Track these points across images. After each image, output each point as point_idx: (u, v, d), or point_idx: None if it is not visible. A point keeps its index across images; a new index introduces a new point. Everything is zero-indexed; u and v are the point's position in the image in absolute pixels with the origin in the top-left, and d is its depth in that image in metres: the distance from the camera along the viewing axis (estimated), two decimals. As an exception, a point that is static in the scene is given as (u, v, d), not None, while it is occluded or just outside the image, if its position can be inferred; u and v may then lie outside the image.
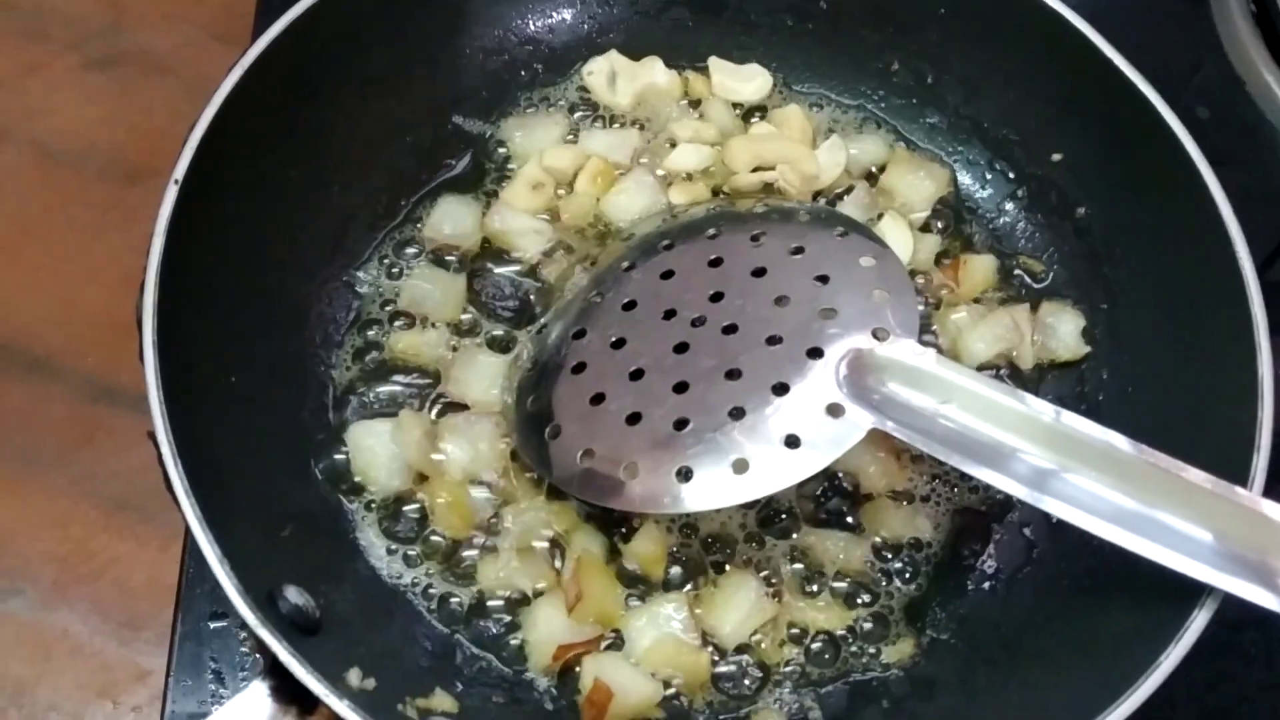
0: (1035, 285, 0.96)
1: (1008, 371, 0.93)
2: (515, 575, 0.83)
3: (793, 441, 0.77)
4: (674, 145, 0.99)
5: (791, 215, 0.90)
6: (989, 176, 1.00)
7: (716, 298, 0.83)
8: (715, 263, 0.85)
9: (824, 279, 0.82)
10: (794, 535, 0.86)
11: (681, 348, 0.81)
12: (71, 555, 0.96)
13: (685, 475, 0.77)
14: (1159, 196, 0.86)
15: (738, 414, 0.78)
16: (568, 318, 0.87)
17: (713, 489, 0.77)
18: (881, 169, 1.00)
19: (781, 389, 0.78)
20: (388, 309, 0.94)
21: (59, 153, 1.13)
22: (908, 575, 0.86)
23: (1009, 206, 0.99)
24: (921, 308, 0.91)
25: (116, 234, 1.09)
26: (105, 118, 1.15)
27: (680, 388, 0.80)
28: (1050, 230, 0.97)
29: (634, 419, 0.79)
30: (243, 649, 0.87)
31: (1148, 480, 0.71)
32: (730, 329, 0.81)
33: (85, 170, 1.12)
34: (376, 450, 0.86)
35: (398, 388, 0.91)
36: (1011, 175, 0.99)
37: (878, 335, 0.78)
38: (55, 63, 1.18)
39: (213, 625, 0.88)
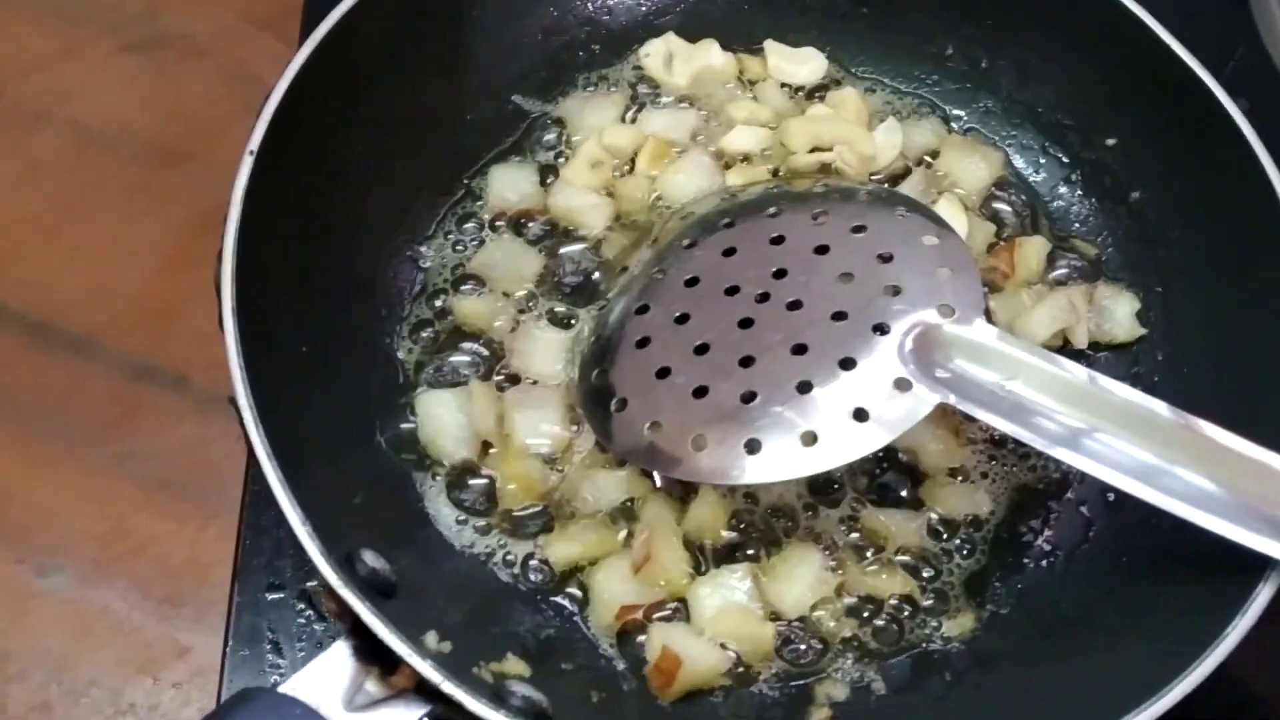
0: (1089, 268, 0.97)
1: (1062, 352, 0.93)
2: (583, 540, 0.84)
3: (861, 415, 0.77)
4: (729, 127, 0.99)
5: (852, 195, 0.91)
6: (1042, 161, 1.01)
7: (780, 274, 0.83)
8: (777, 240, 0.85)
9: (887, 257, 0.83)
10: (850, 509, 0.87)
11: (746, 323, 0.82)
12: (111, 533, 0.96)
13: (753, 447, 0.78)
14: (1214, 180, 0.88)
15: (805, 388, 0.79)
16: (630, 294, 0.87)
17: (781, 461, 0.78)
18: (935, 154, 1.00)
19: (848, 364, 0.79)
20: (457, 272, 0.95)
21: (96, 135, 1.13)
22: (966, 551, 0.87)
23: (1062, 190, 1.00)
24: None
25: (153, 216, 1.09)
26: (142, 101, 1.15)
27: (746, 362, 0.80)
28: (1104, 214, 0.98)
29: (700, 392, 0.80)
30: (300, 620, 0.88)
31: (1224, 461, 0.72)
32: (795, 305, 0.82)
33: (122, 153, 1.13)
34: (444, 420, 0.86)
35: (461, 358, 0.92)
36: (1065, 159, 1.00)
37: (943, 312, 0.79)
38: (94, 46, 1.18)
39: (270, 597, 0.89)
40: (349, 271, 0.88)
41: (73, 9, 1.18)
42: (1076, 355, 0.93)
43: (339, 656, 0.66)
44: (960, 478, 0.88)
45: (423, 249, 0.95)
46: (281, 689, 0.63)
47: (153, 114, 1.14)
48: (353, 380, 0.86)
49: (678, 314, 0.84)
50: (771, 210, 0.88)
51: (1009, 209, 1.00)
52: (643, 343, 0.83)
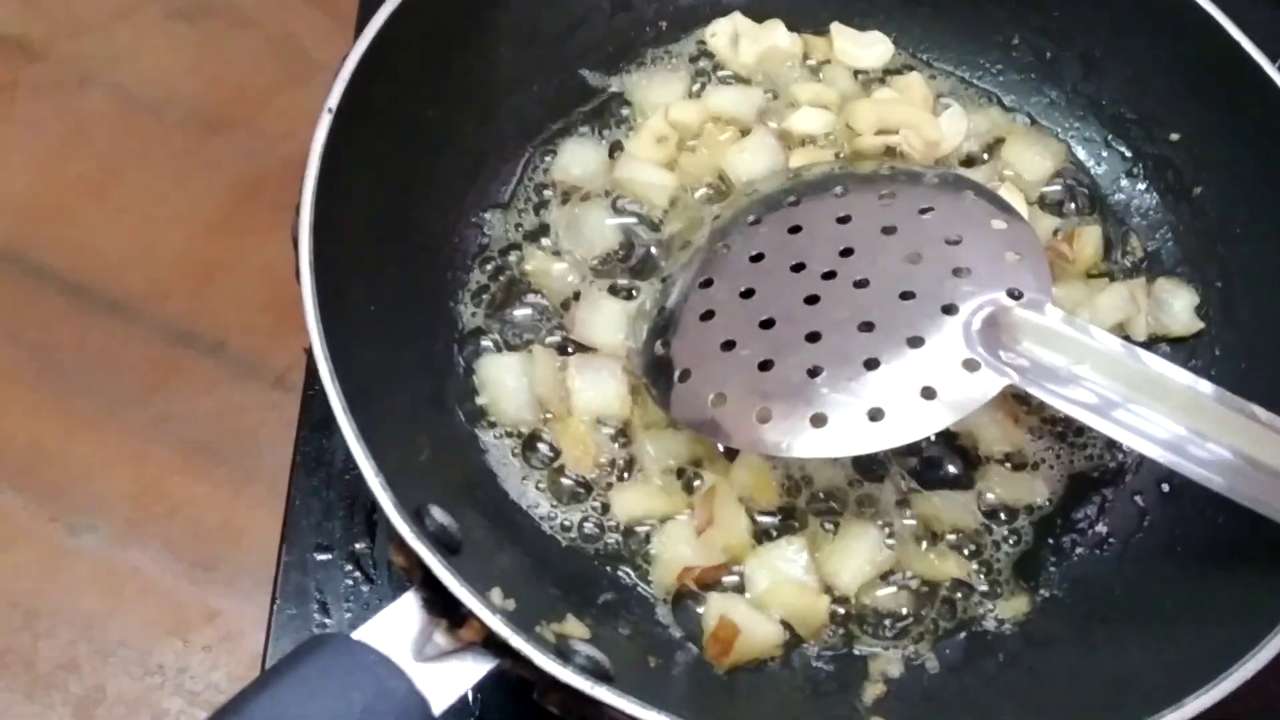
0: (1149, 261, 0.98)
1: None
2: (648, 501, 0.84)
3: (928, 393, 0.77)
4: (794, 108, 1.00)
5: (919, 177, 0.91)
6: (1105, 154, 1.01)
7: (846, 253, 0.83)
8: (844, 220, 0.85)
9: (955, 240, 0.83)
10: (902, 492, 0.87)
11: (812, 300, 0.82)
12: (145, 494, 0.96)
13: (818, 421, 0.78)
14: (1277, 176, 0.88)
15: (872, 364, 0.79)
16: (694, 267, 0.87)
17: (848, 436, 0.78)
18: (998, 142, 1.01)
19: (916, 342, 0.79)
20: (522, 231, 0.95)
21: (142, 99, 1.14)
22: (1020, 535, 0.87)
23: (1124, 183, 1.00)
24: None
25: (196, 182, 1.09)
26: (189, 68, 1.16)
27: (812, 337, 0.80)
28: (1166, 208, 0.98)
29: (766, 365, 0.80)
30: (347, 582, 0.88)
31: None
32: (862, 283, 0.82)
33: (167, 118, 1.13)
34: (506, 383, 0.87)
35: (523, 321, 0.92)
36: (1128, 153, 1.00)
37: (1012, 295, 0.79)
38: (142, 11, 1.19)
39: (318, 558, 0.89)
40: (418, 233, 0.88)
41: (122, -27, 1.16)
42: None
43: (408, 607, 0.65)
44: (1016, 463, 0.88)
45: (487, 215, 0.95)
46: (354, 635, 0.62)
47: (198, 81, 1.15)
48: (419, 340, 0.86)
49: (743, 289, 0.84)
50: (838, 190, 0.88)
51: (1070, 201, 1.00)
52: (707, 315, 0.83)
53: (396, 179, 0.85)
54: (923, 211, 0.85)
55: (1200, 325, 0.93)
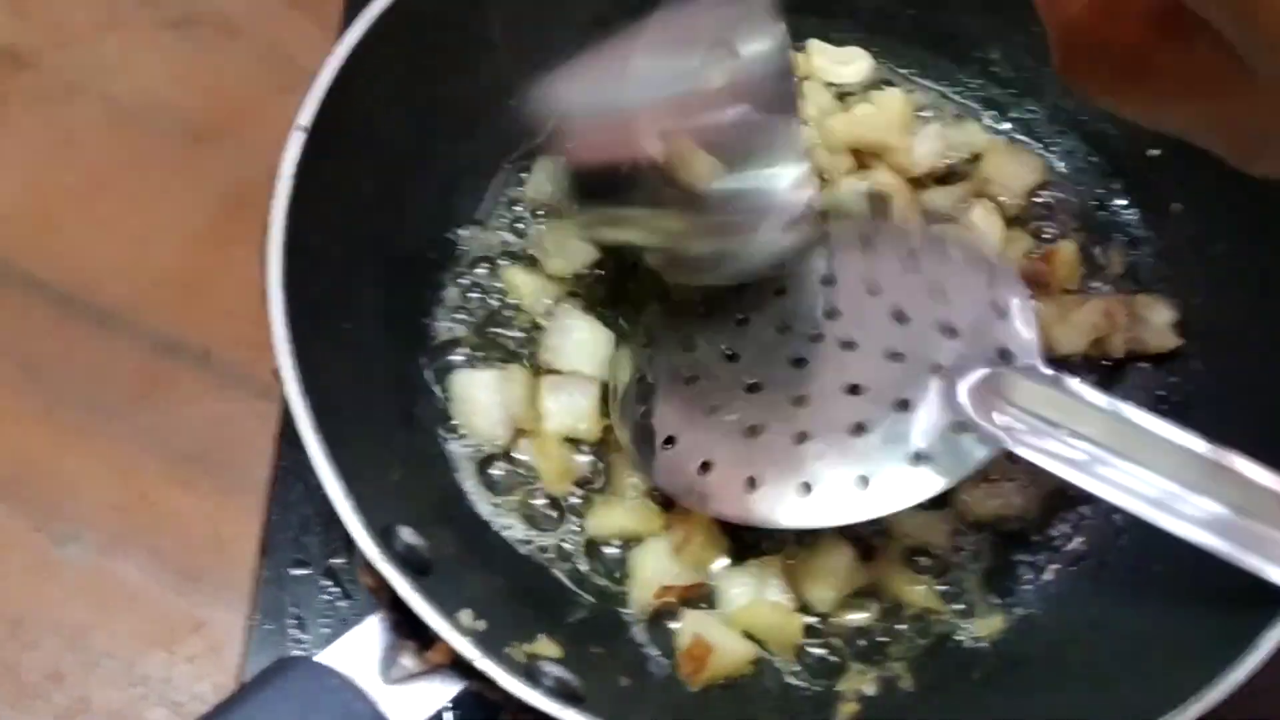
0: (1128, 278, 0.97)
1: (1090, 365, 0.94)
2: (623, 519, 0.85)
3: (918, 459, 0.77)
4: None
5: (904, 236, 0.90)
6: (1084, 169, 1.01)
7: (831, 314, 0.83)
8: (828, 281, 0.85)
9: (942, 298, 0.82)
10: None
11: (799, 362, 0.82)
12: (132, 505, 0.96)
13: (806, 490, 0.78)
14: (1258, 195, 0.87)
15: (859, 430, 0.79)
16: (676, 330, 0.87)
17: (836, 504, 0.78)
18: (976, 158, 1.00)
19: (904, 405, 0.78)
20: (501, 249, 0.96)
21: (131, 110, 1.13)
22: (995, 553, 0.87)
23: (1103, 197, 1.00)
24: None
25: (185, 193, 1.09)
26: (177, 78, 1.15)
27: (799, 401, 0.80)
28: (1146, 224, 0.98)
29: (753, 431, 0.80)
30: (324, 597, 0.88)
31: None
32: (848, 345, 0.81)
33: (155, 128, 1.13)
34: (479, 399, 0.86)
35: (500, 336, 0.92)
36: (1108, 169, 1.00)
37: (1002, 355, 0.79)
38: (130, 21, 1.18)
39: (295, 573, 0.89)
40: (391, 250, 0.88)
41: (111, -19, 1.16)
42: (1113, 364, 0.94)
43: (374, 630, 0.65)
44: (991, 479, 0.88)
45: (463, 232, 0.95)
46: (317, 658, 0.62)
47: (187, 91, 1.14)
48: (393, 357, 0.86)
49: (728, 351, 0.83)
50: (821, 251, 0.87)
51: (1049, 217, 0.99)
52: (691, 380, 0.83)
53: (370, 196, 0.85)
54: (908, 270, 0.84)
55: (1179, 341, 0.92)
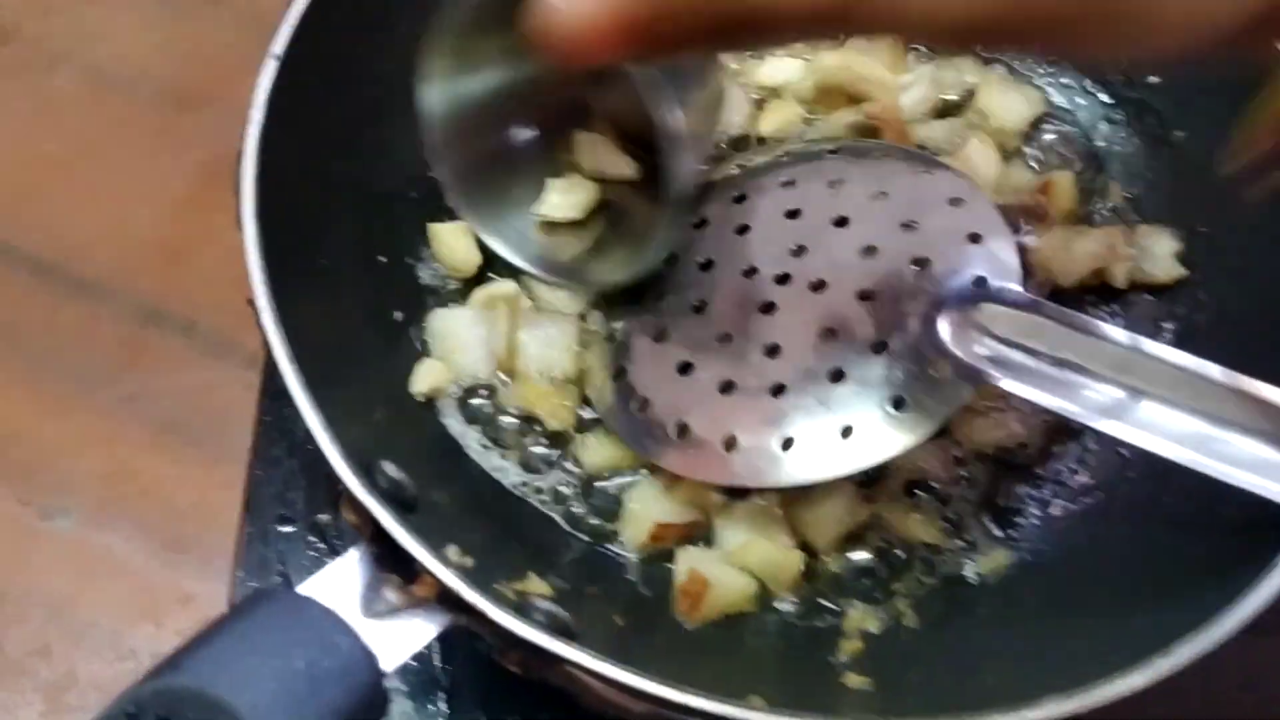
0: (1130, 208, 0.95)
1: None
2: (614, 450, 0.82)
3: (899, 404, 0.74)
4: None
5: (866, 154, 0.86)
6: (1082, 100, 0.99)
7: (799, 252, 0.79)
8: (793, 214, 0.81)
9: (912, 225, 0.79)
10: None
11: (768, 308, 0.78)
12: (116, 475, 0.95)
13: (788, 445, 0.75)
14: (1262, 120, 0.85)
15: (837, 376, 0.76)
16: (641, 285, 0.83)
17: (819, 458, 0.75)
18: (971, 94, 0.98)
19: (881, 347, 0.75)
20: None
21: (112, 78, 1.13)
22: (999, 488, 0.85)
23: (1104, 129, 0.98)
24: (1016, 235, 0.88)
25: (168, 159, 1.09)
26: (158, 46, 1.15)
27: (772, 351, 0.77)
28: (1147, 153, 0.95)
29: (727, 387, 0.77)
30: (310, 553, 0.87)
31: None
32: (819, 285, 0.78)
33: (138, 96, 1.12)
34: (460, 336, 0.85)
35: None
36: (1106, 98, 0.98)
37: (977, 284, 0.76)
38: (111, -11, 1.16)
39: (281, 529, 0.88)
40: (369, 188, 0.86)
41: (91, -50, 1.15)
42: (1115, 295, 0.91)
43: (356, 562, 0.63)
44: (992, 409, 0.85)
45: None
46: (299, 589, 0.60)
47: (169, 58, 1.14)
48: (373, 297, 0.85)
49: (694, 302, 0.80)
50: (784, 179, 0.84)
51: (1048, 149, 0.97)
52: (661, 335, 0.80)
53: (346, 131, 0.83)
54: (874, 197, 0.80)
55: (1183, 272, 0.90)
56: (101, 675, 0.88)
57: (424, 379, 0.85)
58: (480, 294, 0.88)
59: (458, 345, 0.85)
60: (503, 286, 0.88)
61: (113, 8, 1.16)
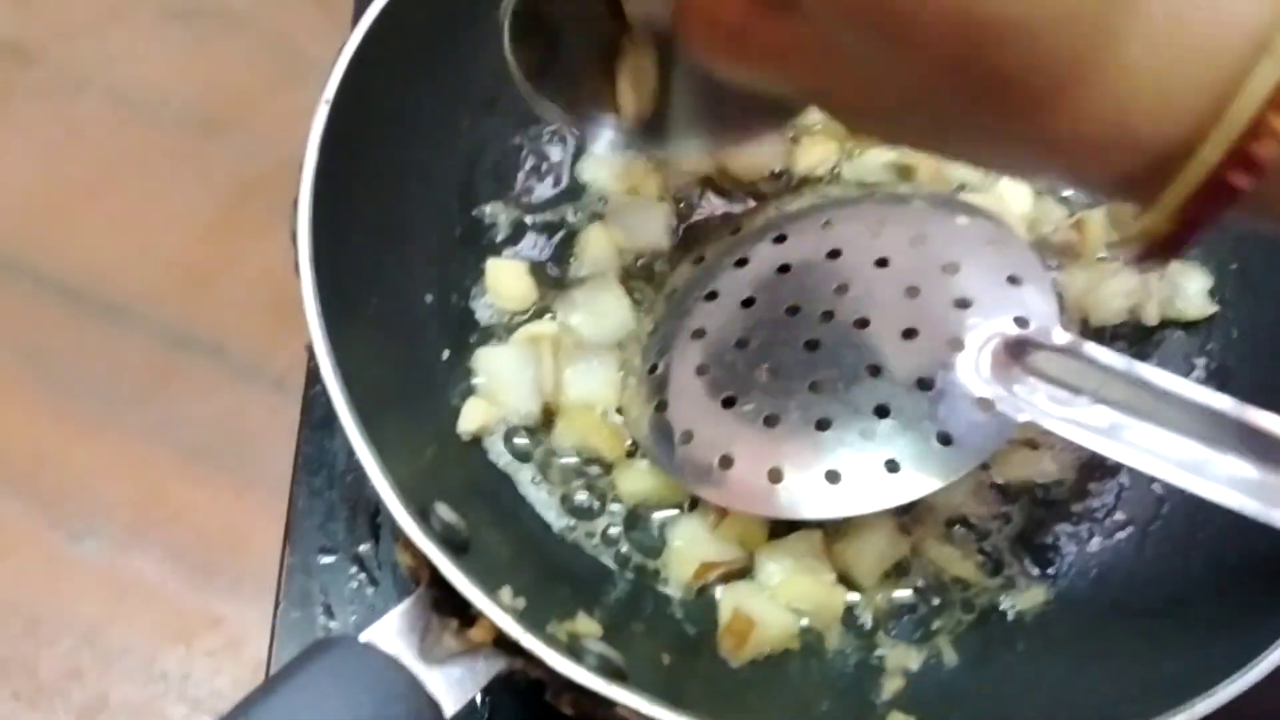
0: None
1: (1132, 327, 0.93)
2: (654, 481, 0.83)
3: (944, 439, 0.75)
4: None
5: (906, 201, 0.87)
6: (1115, 136, 0.99)
7: (841, 290, 0.80)
8: (833, 254, 0.82)
9: (953, 268, 0.80)
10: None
11: (812, 345, 0.79)
12: (146, 500, 0.95)
13: (834, 478, 0.76)
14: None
15: (883, 412, 0.76)
16: (683, 318, 0.84)
17: (865, 491, 0.76)
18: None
19: (926, 384, 0.76)
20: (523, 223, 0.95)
21: (137, 102, 1.13)
22: (1036, 525, 0.86)
23: (1136, 165, 0.98)
24: (1052, 274, 0.90)
25: (193, 184, 1.09)
26: (183, 69, 1.15)
27: (816, 387, 0.78)
28: (1178, 189, 0.95)
29: (772, 420, 0.78)
30: (352, 585, 0.87)
31: None
32: (862, 323, 0.79)
33: (163, 121, 1.12)
34: (506, 372, 0.85)
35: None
36: (1140, 134, 0.98)
37: (1019, 324, 0.77)
38: (135, 13, 1.18)
39: (322, 560, 0.88)
40: (417, 227, 0.87)
41: (117, -26, 1.15)
42: (1147, 332, 0.92)
43: (416, 608, 0.64)
44: (1028, 445, 0.86)
45: (488, 208, 0.94)
46: (361, 638, 0.61)
47: (195, 83, 1.14)
48: (423, 335, 0.86)
49: (737, 338, 0.81)
50: (824, 221, 0.85)
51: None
52: (703, 369, 0.81)
53: (394, 171, 0.84)
54: (914, 240, 0.81)
55: (1214, 308, 0.91)
56: (133, 698, 0.88)
57: (472, 418, 0.85)
58: (523, 333, 0.88)
59: (504, 383, 0.86)
60: (544, 326, 0.88)
61: (137, 31, 1.16)
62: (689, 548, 0.82)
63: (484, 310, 0.92)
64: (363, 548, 0.88)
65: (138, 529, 0.94)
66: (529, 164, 0.97)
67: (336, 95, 0.76)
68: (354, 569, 0.88)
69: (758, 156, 0.93)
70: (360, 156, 0.79)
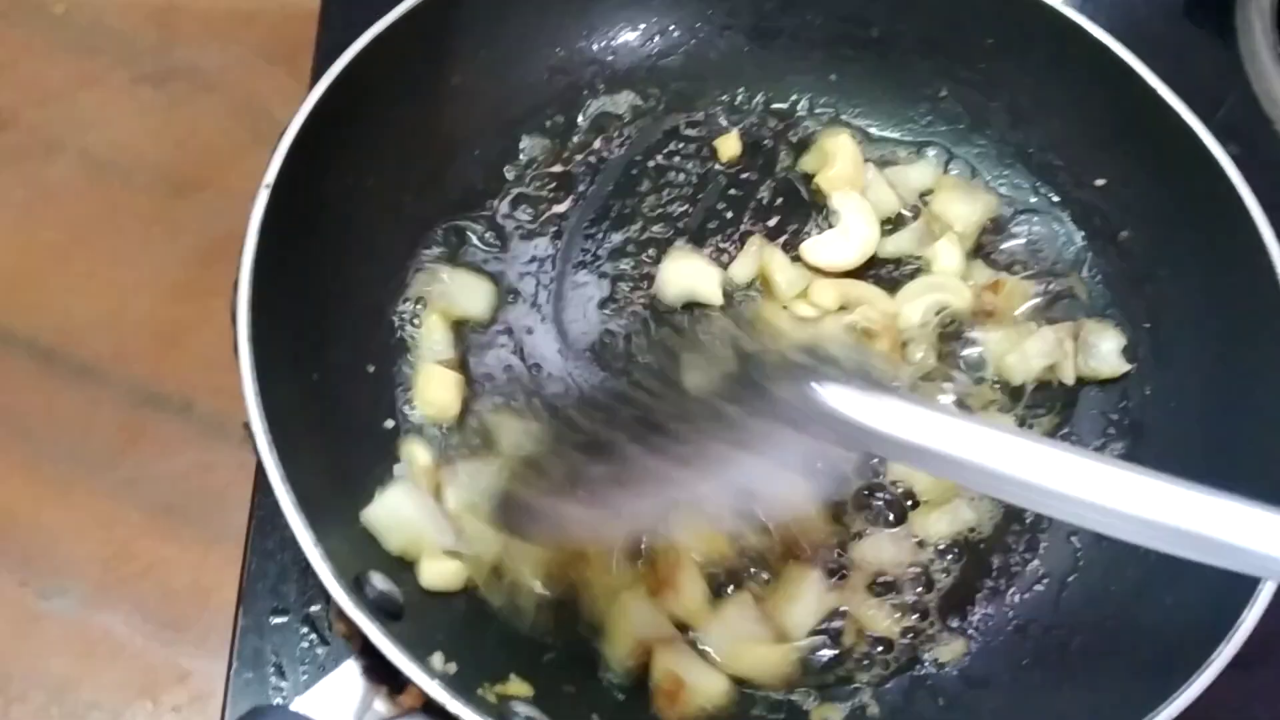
0: (1077, 305, 0.99)
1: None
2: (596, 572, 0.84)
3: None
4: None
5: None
6: (1033, 200, 1.03)
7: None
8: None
9: None
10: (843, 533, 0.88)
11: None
12: (115, 557, 0.97)
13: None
14: (1201, 221, 0.90)
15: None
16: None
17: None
18: (926, 195, 1.03)
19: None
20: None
21: (108, 165, 1.15)
22: (957, 576, 0.89)
23: (1054, 229, 1.02)
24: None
25: (163, 245, 1.10)
26: (154, 132, 1.17)
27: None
28: (1094, 252, 1.00)
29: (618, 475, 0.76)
30: (303, 644, 0.89)
31: None
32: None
33: (133, 182, 1.14)
34: (398, 520, 0.84)
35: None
36: (1055, 199, 1.02)
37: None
38: (107, 78, 1.20)
39: (274, 621, 0.90)
40: (359, 302, 0.90)
41: (88, 41, 1.20)
42: (1068, 392, 0.96)
43: (348, 676, 0.67)
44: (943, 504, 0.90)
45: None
46: (292, 706, 0.64)
47: (165, 145, 1.15)
48: (363, 406, 0.88)
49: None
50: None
51: (1006, 250, 1.02)
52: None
53: (338, 248, 0.87)
54: None
55: (1128, 367, 0.94)
56: (101, 753, 0.87)
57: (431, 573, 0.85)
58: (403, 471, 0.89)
59: (394, 535, 0.84)
60: (421, 459, 0.89)
61: (109, 95, 1.18)
62: (628, 627, 0.84)
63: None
64: (314, 608, 0.90)
65: (106, 586, 0.95)
66: (476, 237, 1.00)
67: (277, 178, 0.79)
68: (305, 629, 0.89)
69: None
70: (301, 235, 0.82)
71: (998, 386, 0.95)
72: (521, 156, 1.03)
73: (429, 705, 0.66)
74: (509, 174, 1.02)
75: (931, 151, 1.05)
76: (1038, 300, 0.99)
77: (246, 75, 1.19)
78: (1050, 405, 0.95)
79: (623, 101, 1.05)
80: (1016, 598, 0.88)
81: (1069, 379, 0.94)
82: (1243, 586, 0.73)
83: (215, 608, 0.94)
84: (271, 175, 0.78)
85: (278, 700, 0.85)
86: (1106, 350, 0.94)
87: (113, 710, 0.91)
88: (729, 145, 1.05)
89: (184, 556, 0.96)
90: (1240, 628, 0.73)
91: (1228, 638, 0.72)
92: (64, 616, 0.94)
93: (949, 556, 0.89)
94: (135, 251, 1.10)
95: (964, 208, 1.01)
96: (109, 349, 1.05)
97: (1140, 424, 0.92)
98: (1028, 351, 0.94)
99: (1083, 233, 1.01)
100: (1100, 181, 0.99)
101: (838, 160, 1.01)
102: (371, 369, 0.91)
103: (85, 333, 1.05)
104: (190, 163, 1.14)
